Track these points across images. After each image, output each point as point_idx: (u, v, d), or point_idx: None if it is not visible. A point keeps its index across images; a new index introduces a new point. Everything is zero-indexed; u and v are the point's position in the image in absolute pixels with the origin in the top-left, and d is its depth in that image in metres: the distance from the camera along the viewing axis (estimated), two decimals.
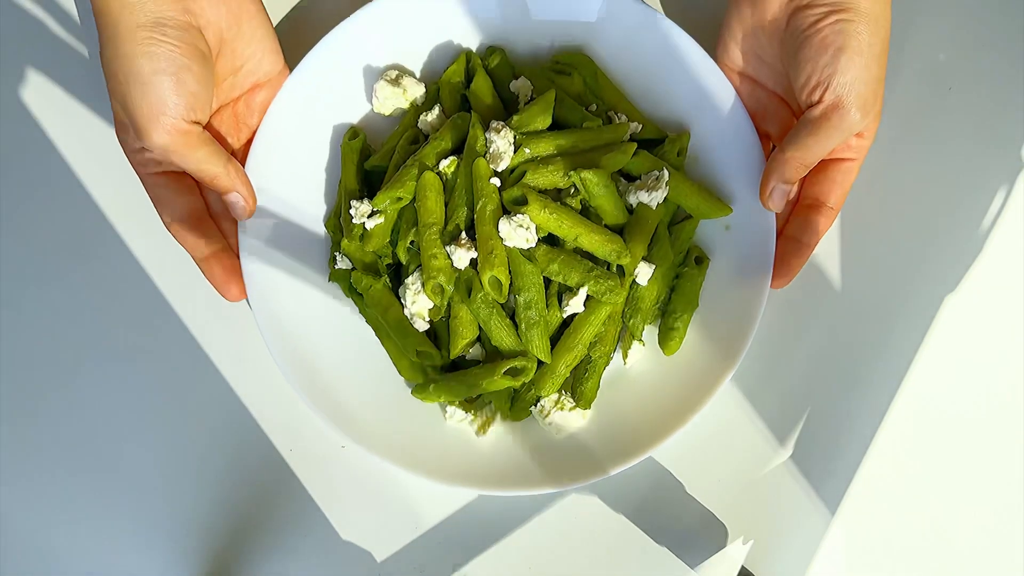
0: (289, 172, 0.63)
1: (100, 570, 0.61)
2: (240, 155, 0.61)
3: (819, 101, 0.53)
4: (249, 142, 0.61)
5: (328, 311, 0.62)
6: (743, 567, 0.61)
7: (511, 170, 0.59)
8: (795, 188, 0.60)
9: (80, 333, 0.63)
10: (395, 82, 0.63)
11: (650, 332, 0.62)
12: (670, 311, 0.61)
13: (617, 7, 0.62)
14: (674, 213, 0.63)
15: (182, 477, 0.63)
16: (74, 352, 0.64)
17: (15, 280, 0.65)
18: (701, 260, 0.62)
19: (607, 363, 0.61)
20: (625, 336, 0.62)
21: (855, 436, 0.62)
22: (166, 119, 0.52)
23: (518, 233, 0.57)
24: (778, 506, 0.61)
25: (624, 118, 0.63)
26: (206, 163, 0.55)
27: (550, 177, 0.58)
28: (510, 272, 0.58)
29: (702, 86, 0.61)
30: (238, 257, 0.60)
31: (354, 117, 0.65)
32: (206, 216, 0.60)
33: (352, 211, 0.61)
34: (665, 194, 0.59)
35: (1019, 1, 0.66)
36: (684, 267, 0.62)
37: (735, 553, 0.61)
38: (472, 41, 0.65)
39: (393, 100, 0.63)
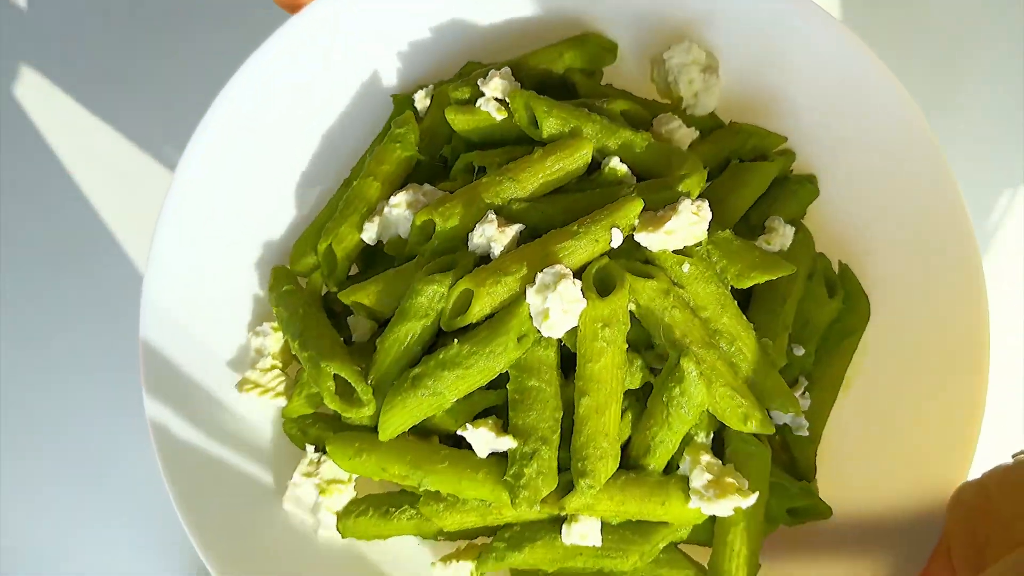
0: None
1: (98, 571, 0.62)
2: None
3: None
4: None
5: None
6: None
7: None
8: None
9: (77, 336, 0.63)
10: None
11: None
12: None
13: None
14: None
15: None
16: (71, 355, 0.65)
17: (13, 283, 0.65)
18: None
19: None
20: None
21: None
22: None
23: None
24: None
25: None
26: None
27: None
28: None
29: None
30: None
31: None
32: None
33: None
34: None
35: (1020, 1, 0.69)
36: None
37: None
38: None
39: None
